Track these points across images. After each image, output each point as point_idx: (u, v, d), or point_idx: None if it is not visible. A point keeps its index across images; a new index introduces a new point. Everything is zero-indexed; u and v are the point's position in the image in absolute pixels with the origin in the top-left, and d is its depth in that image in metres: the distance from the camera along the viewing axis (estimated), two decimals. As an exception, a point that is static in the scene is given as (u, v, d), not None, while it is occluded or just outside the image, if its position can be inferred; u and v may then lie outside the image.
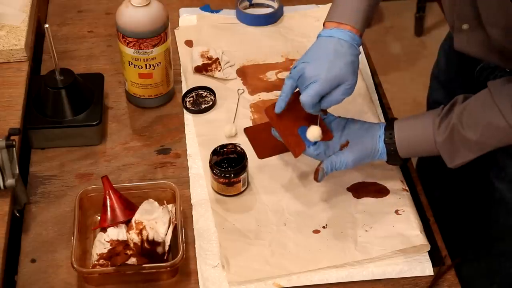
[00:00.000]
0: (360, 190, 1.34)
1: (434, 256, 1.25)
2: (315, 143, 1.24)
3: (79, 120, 1.40)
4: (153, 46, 1.40)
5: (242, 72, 1.58)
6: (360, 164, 1.27)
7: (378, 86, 1.57)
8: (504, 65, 1.25)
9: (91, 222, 1.27)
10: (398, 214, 1.29)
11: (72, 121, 1.40)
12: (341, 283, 1.21)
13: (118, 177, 1.36)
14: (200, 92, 1.52)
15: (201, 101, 1.50)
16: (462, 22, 1.20)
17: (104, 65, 1.59)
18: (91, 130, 1.41)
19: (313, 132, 1.23)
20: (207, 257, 1.23)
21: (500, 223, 1.41)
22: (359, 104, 1.49)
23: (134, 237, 1.16)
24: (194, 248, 1.25)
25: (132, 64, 1.43)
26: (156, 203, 1.22)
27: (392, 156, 1.25)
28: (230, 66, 1.59)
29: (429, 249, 1.24)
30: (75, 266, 1.15)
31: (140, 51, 1.40)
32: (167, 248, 1.17)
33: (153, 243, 1.17)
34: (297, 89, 1.25)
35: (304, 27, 1.68)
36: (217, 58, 1.57)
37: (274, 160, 1.39)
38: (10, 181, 1.24)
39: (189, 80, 1.55)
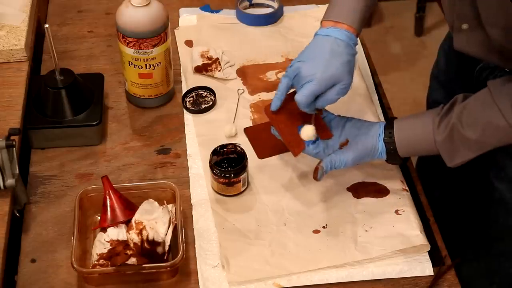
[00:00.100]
0: (360, 190, 1.34)
1: (434, 256, 1.25)
2: (314, 141, 1.25)
3: (79, 120, 1.40)
4: (153, 46, 1.40)
5: (242, 72, 1.58)
6: (360, 163, 1.27)
7: (378, 86, 1.57)
8: (504, 65, 1.25)
9: (91, 222, 1.27)
10: (398, 214, 1.29)
11: (72, 121, 1.40)
12: (341, 283, 1.21)
13: (118, 177, 1.36)
14: (200, 92, 1.52)
15: (201, 101, 1.50)
16: (461, 22, 1.20)
17: (104, 65, 1.59)
18: (91, 130, 1.41)
19: (307, 132, 1.23)
20: (207, 257, 1.23)
21: (499, 223, 1.41)
22: (359, 104, 1.49)
23: (134, 237, 1.16)
24: (194, 248, 1.25)
25: (132, 64, 1.43)
26: (156, 203, 1.22)
27: (392, 155, 1.25)
28: (230, 66, 1.59)
29: (429, 249, 1.24)
30: (75, 266, 1.15)
31: (140, 51, 1.40)
32: (167, 248, 1.17)
33: (153, 243, 1.17)
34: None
35: (304, 27, 1.68)
36: (217, 58, 1.57)
37: (274, 160, 1.39)
38: (10, 181, 1.24)
39: (189, 80, 1.55)
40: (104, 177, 1.24)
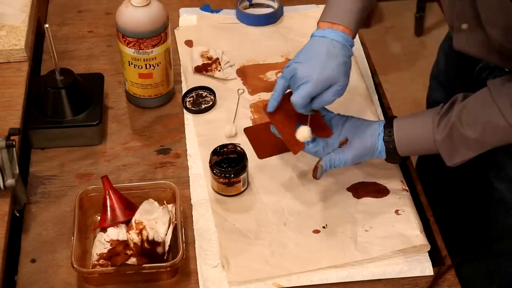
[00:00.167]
0: (360, 190, 1.34)
1: (434, 256, 1.25)
2: (314, 140, 1.25)
3: (79, 120, 1.40)
4: (153, 46, 1.40)
5: (242, 72, 1.58)
6: (359, 162, 1.27)
7: (378, 86, 1.57)
8: (504, 65, 1.25)
9: (91, 222, 1.27)
10: (398, 214, 1.29)
11: (72, 121, 1.40)
12: (341, 283, 1.21)
13: (118, 177, 1.36)
14: (200, 92, 1.52)
15: (201, 101, 1.50)
16: (461, 22, 1.20)
17: (104, 65, 1.59)
18: (91, 130, 1.41)
19: (303, 133, 1.23)
20: (207, 257, 1.23)
21: (499, 223, 1.41)
22: (359, 104, 1.49)
23: (134, 237, 1.16)
24: (194, 248, 1.25)
25: (132, 64, 1.43)
26: (156, 203, 1.22)
27: (391, 154, 1.25)
28: (230, 66, 1.59)
29: (429, 249, 1.24)
30: (75, 266, 1.15)
31: (140, 51, 1.40)
32: (167, 248, 1.18)
33: (153, 243, 1.17)
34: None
35: (304, 27, 1.67)
36: (217, 58, 1.57)
37: (274, 160, 1.39)
38: (10, 181, 1.24)
39: (189, 80, 1.55)
40: (104, 177, 1.24)
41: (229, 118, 1.47)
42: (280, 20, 1.72)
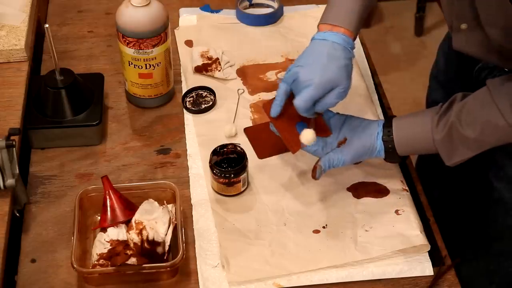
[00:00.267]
0: (360, 190, 1.34)
1: (434, 256, 1.25)
2: None
3: (79, 120, 1.40)
4: (153, 46, 1.40)
5: (242, 72, 1.58)
6: (358, 161, 1.27)
7: (378, 86, 1.57)
8: (503, 64, 1.25)
9: (91, 222, 1.27)
10: (398, 214, 1.29)
11: (72, 121, 1.40)
12: (341, 283, 1.21)
13: (118, 177, 1.36)
14: (200, 92, 1.52)
15: (201, 101, 1.50)
16: (460, 22, 1.20)
17: (104, 65, 1.59)
18: (91, 130, 1.41)
19: (307, 136, 1.23)
20: (207, 257, 1.23)
21: (498, 222, 1.41)
22: (359, 104, 1.49)
23: (134, 237, 1.16)
24: (194, 248, 1.25)
25: (132, 64, 1.43)
26: (156, 203, 1.22)
27: (390, 153, 1.25)
28: (230, 66, 1.59)
29: (429, 249, 1.24)
30: (75, 266, 1.15)
31: (140, 51, 1.40)
32: (167, 248, 1.18)
33: (153, 243, 1.17)
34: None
35: (304, 27, 1.68)
36: (217, 58, 1.57)
37: (274, 160, 1.39)
38: (10, 181, 1.24)
39: (189, 80, 1.55)
40: (104, 177, 1.24)
41: (229, 118, 1.47)
42: (280, 20, 1.72)
